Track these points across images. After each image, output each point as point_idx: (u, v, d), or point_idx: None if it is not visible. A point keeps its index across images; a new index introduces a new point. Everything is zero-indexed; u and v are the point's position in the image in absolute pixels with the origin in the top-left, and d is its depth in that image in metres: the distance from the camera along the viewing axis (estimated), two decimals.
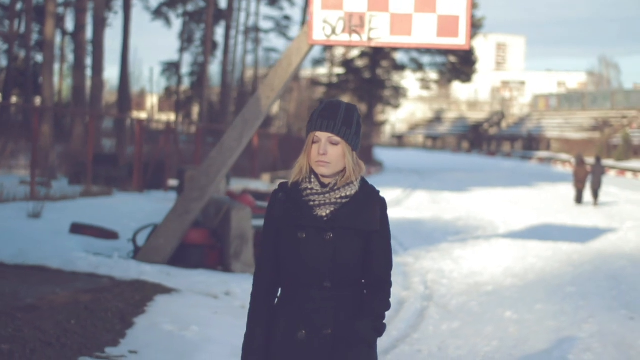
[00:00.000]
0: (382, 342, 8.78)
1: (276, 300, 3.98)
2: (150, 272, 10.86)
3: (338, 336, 3.80)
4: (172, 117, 65.23)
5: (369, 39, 11.07)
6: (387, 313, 3.95)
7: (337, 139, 3.79)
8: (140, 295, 9.36)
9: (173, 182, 25.46)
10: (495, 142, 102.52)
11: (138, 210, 18.43)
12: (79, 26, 32.12)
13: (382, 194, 3.98)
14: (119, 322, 8.40)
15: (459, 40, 11.07)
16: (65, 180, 23.59)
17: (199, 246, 12.23)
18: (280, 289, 3.96)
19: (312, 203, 3.82)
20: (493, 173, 53.34)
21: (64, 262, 10.94)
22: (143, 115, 70.60)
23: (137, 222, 16.15)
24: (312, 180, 3.85)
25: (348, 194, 3.83)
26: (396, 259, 14.59)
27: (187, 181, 21.40)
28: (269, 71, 67.15)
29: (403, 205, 27.21)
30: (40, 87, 40.85)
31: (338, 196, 3.82)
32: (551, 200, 31.62)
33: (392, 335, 9.58)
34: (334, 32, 11.06)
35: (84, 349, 7.45)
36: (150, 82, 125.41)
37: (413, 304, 11.41)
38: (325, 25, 11.07)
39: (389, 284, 3.93)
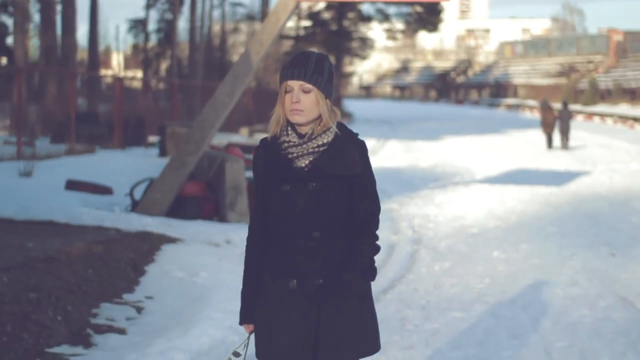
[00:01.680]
0: (379, 284, 9.24)
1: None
2: (153, 224, 11.25)
3: (328, 287, 3.87)
4: (139, 74, 64.96)
5: None
6: (379, 256, 4.09)
7: (309, 86, 3.84)
8: (148, 245, 9.77)
9: (153, 139, 25.75)
10: (462, 91, 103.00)
11: (123, 166, 18.77)
12: None
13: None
14: (132, 271, 8.81)
15: None
16: (46, 140, 23.80)
17: (196, 198, 12.59)
18: (272, 240, 4.02)
19: (290, 155, 3.88)
20: (463, 121, 53.87)
21: (70, 216, 11.30)
22: (109, 73, 70.21)
23: (126, 177, 16.48)
24: (290, 132, 3.90)
25: (325, 141, 3.89)
26: (382, 206, 14.88)
27: (168, 137, 21.72)
28: (236, 25, 67.24)
29: (378, 154, 27.67)
30: (7, 49, 40.77)
31: (315, 145, 3.88)
32: (522, 146, 32.19)
33: (388, 276, 10.03)
34: None
35: (103, 296, 7.88)
36: (116, 39, 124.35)
37: (404, 247, 11.87)
38: None
39: (375, 227, 4.01)
